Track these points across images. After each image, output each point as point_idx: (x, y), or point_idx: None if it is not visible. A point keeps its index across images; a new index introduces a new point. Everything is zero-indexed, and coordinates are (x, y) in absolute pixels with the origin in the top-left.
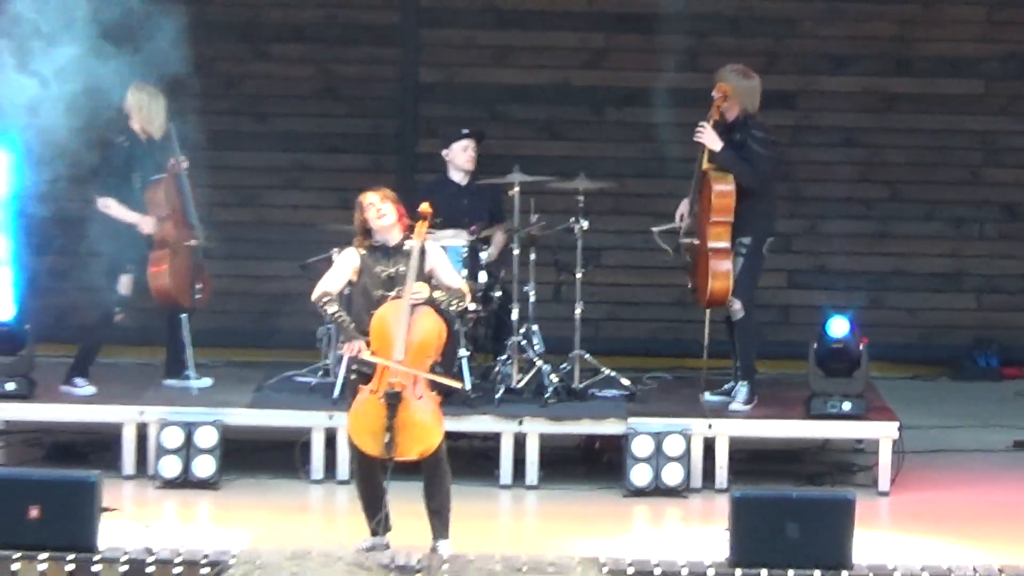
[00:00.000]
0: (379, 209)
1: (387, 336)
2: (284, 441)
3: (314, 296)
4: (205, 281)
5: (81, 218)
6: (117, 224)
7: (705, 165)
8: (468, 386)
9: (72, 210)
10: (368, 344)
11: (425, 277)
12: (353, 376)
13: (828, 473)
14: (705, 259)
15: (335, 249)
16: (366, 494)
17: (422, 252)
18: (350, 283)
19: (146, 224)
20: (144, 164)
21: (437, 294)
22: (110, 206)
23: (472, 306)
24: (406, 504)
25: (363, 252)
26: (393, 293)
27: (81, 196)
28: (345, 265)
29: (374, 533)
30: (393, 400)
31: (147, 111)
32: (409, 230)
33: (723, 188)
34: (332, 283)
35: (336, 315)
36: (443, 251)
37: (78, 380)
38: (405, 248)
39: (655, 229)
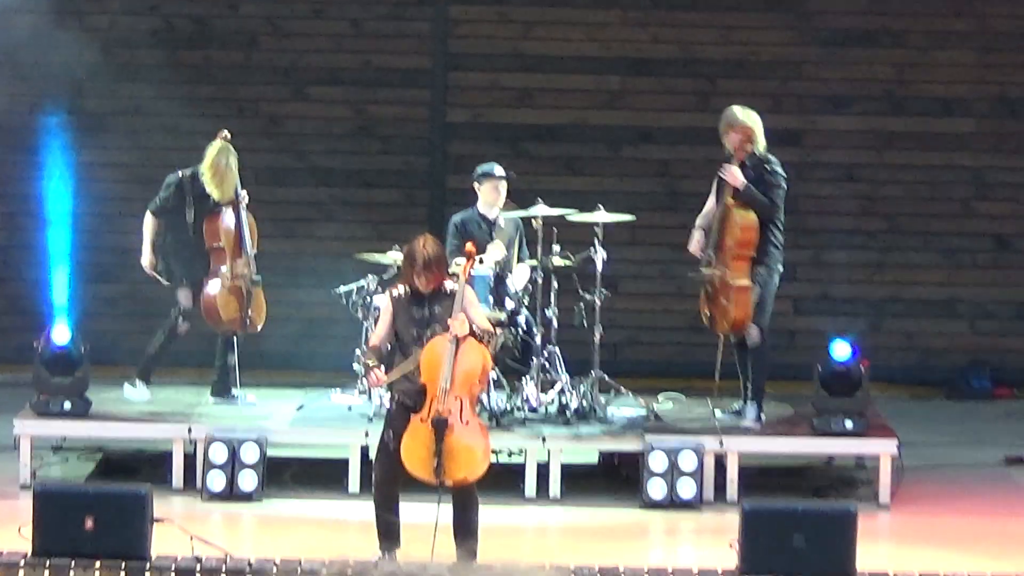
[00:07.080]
0: (426, 281)
1: (436, 367)
2: (323, 458)
3: (369, 347)
4: (258, 309)
5: (133, 248)
6: (176, 241)
7: (729, 201)
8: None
9: (124, 240)
10: (381, 368)
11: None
12: (401, 407)
13: (832, 487)
14: (726, 289)
15: (370, 275)
16: (382, 514)
17: (464, 290)
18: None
19: (145, 260)
20: (201, 198)
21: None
22: (146, 223)
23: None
24: (416, 522)
25: (397, 294)
26: (428, 332)
27: (134, 228)
28: (385, 314)
29: (384, 549)
30: (440, 426)
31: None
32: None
33: (747, 223)
34: (381, 336)
35: (371, 367)
36: (473, 292)
37: (139, 383)
38: (442, 291)
39: (692, 274)
